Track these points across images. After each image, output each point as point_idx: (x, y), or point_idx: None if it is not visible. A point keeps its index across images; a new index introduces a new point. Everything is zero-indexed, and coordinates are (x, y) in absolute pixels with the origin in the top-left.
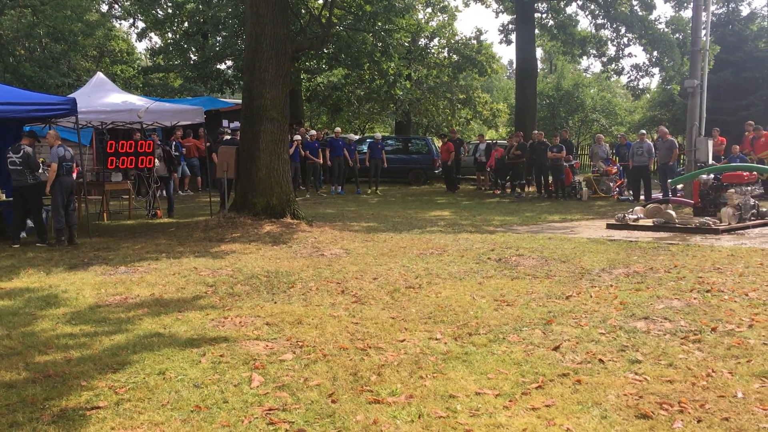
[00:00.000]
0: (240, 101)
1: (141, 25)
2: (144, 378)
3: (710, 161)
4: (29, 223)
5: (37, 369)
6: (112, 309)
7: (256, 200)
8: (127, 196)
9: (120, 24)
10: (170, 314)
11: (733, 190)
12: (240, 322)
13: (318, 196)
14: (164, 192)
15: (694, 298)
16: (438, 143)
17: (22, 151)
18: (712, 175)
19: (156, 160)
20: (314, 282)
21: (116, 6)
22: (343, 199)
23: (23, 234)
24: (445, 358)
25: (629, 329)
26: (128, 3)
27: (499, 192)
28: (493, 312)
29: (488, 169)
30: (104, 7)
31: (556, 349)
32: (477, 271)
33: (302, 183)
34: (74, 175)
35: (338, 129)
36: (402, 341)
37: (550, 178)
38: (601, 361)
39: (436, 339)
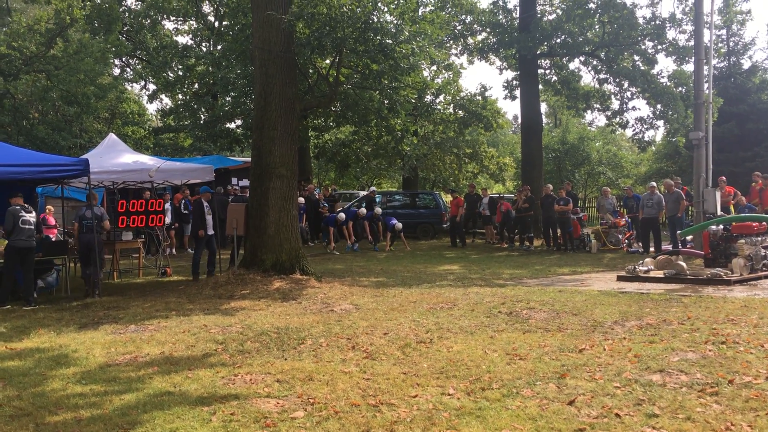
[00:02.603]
0: (249, 159)
1: (152, 87)
2: None
3: (719, 212)
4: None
5: (48, 430)
6: (122, 368)
7: (266, 257)
8: (138, 255)
9: (131, 86)
10: (180, 372)
11: (743, 241)
12: (250, 380)
13: (326, 252)
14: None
15: (710, 350)
16: (447, 198)
17: (33, 212)
18: (721, 226)
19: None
20: (324, 338)
21: (128, 69)
22: (351, 255)
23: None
24: (458, 413)
25: (645, 382)
26: (140, 66)
27: (507, 245)
28: (505, 366)
29: (496, 224)
30: (116, 71)
31: (571, 403)
32: (488, 324)
33: (310, 239)
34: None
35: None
36: (414, 397)
37: (559, 231)
38: (617, 415)
39: (449, 394)
